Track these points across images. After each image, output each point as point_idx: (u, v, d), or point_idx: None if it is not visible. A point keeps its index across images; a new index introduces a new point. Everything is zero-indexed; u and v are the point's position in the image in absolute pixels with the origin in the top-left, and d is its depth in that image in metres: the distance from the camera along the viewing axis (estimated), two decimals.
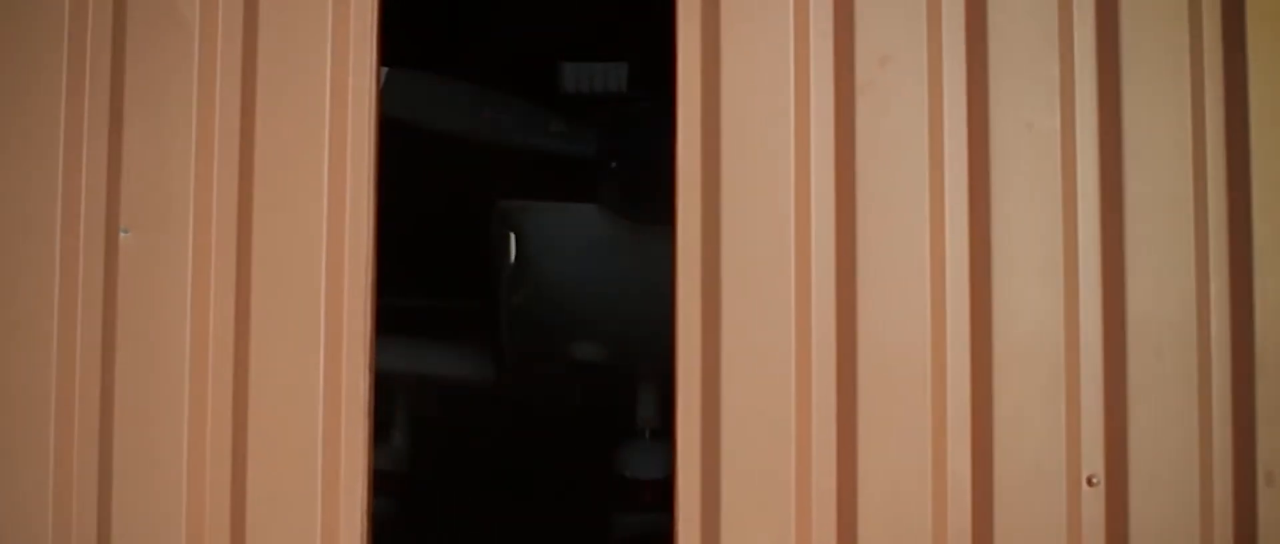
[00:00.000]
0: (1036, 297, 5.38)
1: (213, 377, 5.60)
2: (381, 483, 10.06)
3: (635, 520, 9.65)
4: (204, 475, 5.56)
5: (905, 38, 5.43)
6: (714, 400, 5.40)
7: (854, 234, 5.40)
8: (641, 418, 9.78)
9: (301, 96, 5.68)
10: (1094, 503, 5.35)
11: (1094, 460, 5.34)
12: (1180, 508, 5.38)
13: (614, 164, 8.92)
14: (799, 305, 5.42)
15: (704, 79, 5.46)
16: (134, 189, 5.68)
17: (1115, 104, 5.37)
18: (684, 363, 5.42)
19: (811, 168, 5.44)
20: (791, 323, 5.41)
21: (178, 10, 5.68)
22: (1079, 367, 5.36)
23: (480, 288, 10.27)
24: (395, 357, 10.55)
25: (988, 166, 5.37)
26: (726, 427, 5.38)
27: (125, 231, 5.69)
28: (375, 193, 5.70)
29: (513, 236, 9.38)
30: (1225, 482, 5.39)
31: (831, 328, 5.41)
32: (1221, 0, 5.47)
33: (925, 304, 5.38)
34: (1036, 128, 5.37)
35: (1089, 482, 5.33)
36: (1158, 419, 5.38)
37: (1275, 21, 5.46)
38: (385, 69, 8.65)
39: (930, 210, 5.40)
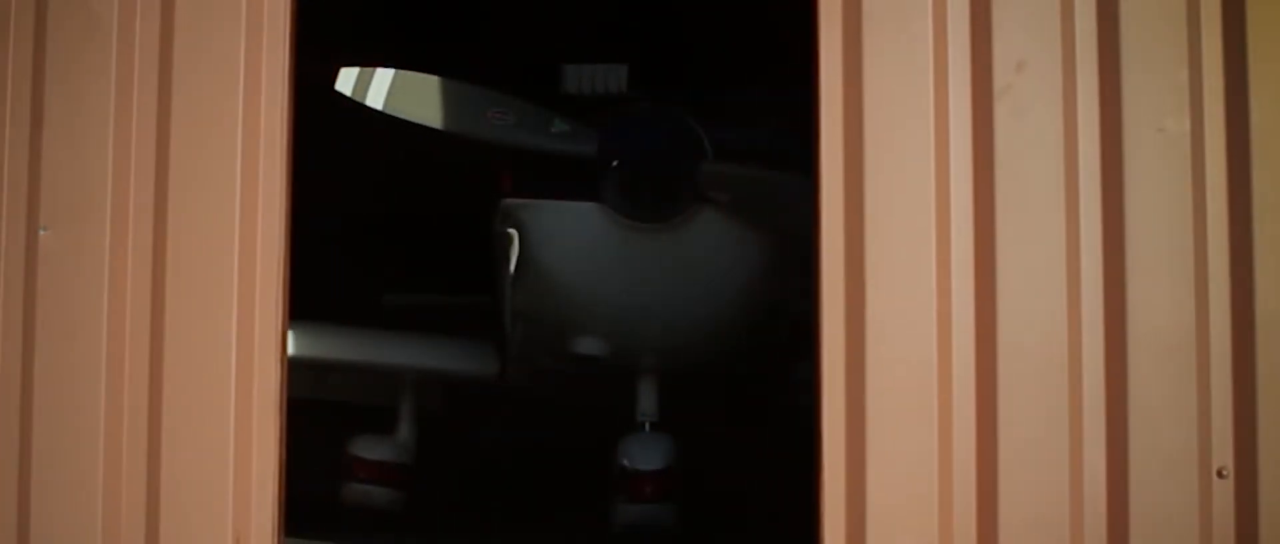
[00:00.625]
0: (1168, 292, 5.52)
1: (129, 369, 5.70)
2: (388, 475, 10.27)
3: (636, 510, 9.73)
4: (120, 464, 5.66)
5: (1040, 43, 5.55)
6: (858, 396, 5.53)
7: (993, 234, 5.53)
8: (641, 411, 9.86)
9: (216, 97, 5.78)
10: (1224, 494, 5.49)
11: (1224, 453, 5.49)
12: None
13: (615, 163, 8.98)
14: (940, 303, 5.55)
15: (846, 85, 5.58)
16: (53, 188, 5.77)
17: (1243, 107, 5.53)
18: (829, 359, 5.57)
19: (951, 169, 5.57)
20: (933, 320, 5.54)
21: (94, 11, 5.73)
22: (1209, 360, 5.50)
23: (484, 285, 10.37)
24: (399, 352, 10.67)
25: (1121, 168, 5.52)
26: (871, 421, 5.52)
27: (44, 230, 5.76)
28: (288, 189, 5.82)
29: (516, 235, 9.44)
30: None
31: (971, 324, 5.54)
32: None
33: (1062, 300, 5.50)
34: (1167, 131, 5.51)
35: (1219, 474, 5.47)
36: None
37: None
38: (391, 71, 8.76)
39: (1066, 210, 5.53)
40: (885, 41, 5.57)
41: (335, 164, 12.67)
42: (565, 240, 9.39)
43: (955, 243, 5.55)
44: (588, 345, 9.61)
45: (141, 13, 5.71)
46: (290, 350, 10.16)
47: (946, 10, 5.59)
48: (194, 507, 5.61)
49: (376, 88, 8.81)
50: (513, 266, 9.50)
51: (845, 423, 5.51)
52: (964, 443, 5.51)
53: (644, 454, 9.73)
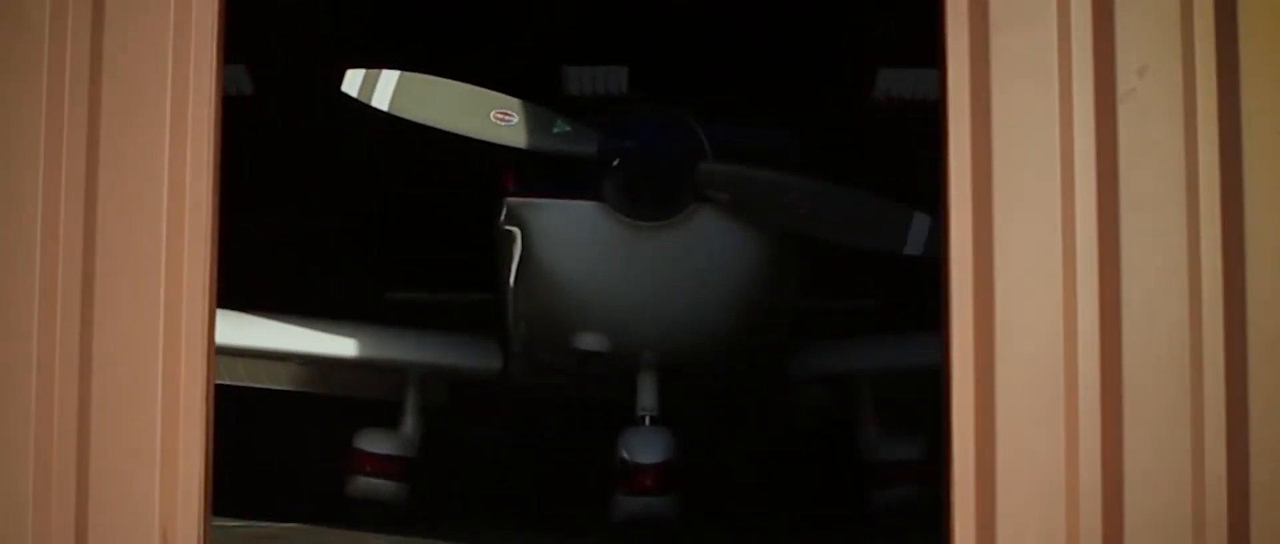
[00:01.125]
0: None
1: (59, 365, 5.69)
2: (392, 468, 10.42)
3: (636, 503, 9.87)
4: (50, 460, 5.65)
5: (1161, 47, 5.65)
6: (987, 395, 5.60)
7: (1117, 236, 5.62)
8: (641, 406, 10.00)
9: (146, 96, 5.79)
10: None
11: None
12: None
13: (616, 163, 9.12)
14: (1066, 304, 5.64)
15: (973, 89, 5.68)
16: None
17: None
18: (958, 359, 5.62)
19: (1076, 172, 5.65)
20: (1059, 320, 5.63)
21: (25, 13, 5.81)
22: None
23: (487, 282, 10.47)
24: (403, 348, 10.78)
25: (1240, 170, 5.60)
26: (1000, 419, 5.59)
27: None
28: (215, 186, 5.83)
29: (518, 233, 9.56)
30: None
31: (1095, 324, 5.62)
32: None
33: (1184, 301, 5.60)
34: None
35: None
36: None
37: None
38: (395, 72, 8.83)
39: (1187, 212, 5.62)
40: (1011, 46, 5.64)
41: (338, 164, 12.76)
42: (566, 238, 9.50)
43: (1080, 245, 5.64)
44: (588, 341, 9.73)
45: (73, 14, 5.70)
46: (297, 347, 10.38)
47: (1070, 15, 5.67)
48: (122, 501, 5.62)
49: (382, 90, 8.85)
50: (515, 264, 9.63)
51: (974, 421, 5.58)
52: (1089, 441, 5.60)
53: (644, 448, 9.87)
